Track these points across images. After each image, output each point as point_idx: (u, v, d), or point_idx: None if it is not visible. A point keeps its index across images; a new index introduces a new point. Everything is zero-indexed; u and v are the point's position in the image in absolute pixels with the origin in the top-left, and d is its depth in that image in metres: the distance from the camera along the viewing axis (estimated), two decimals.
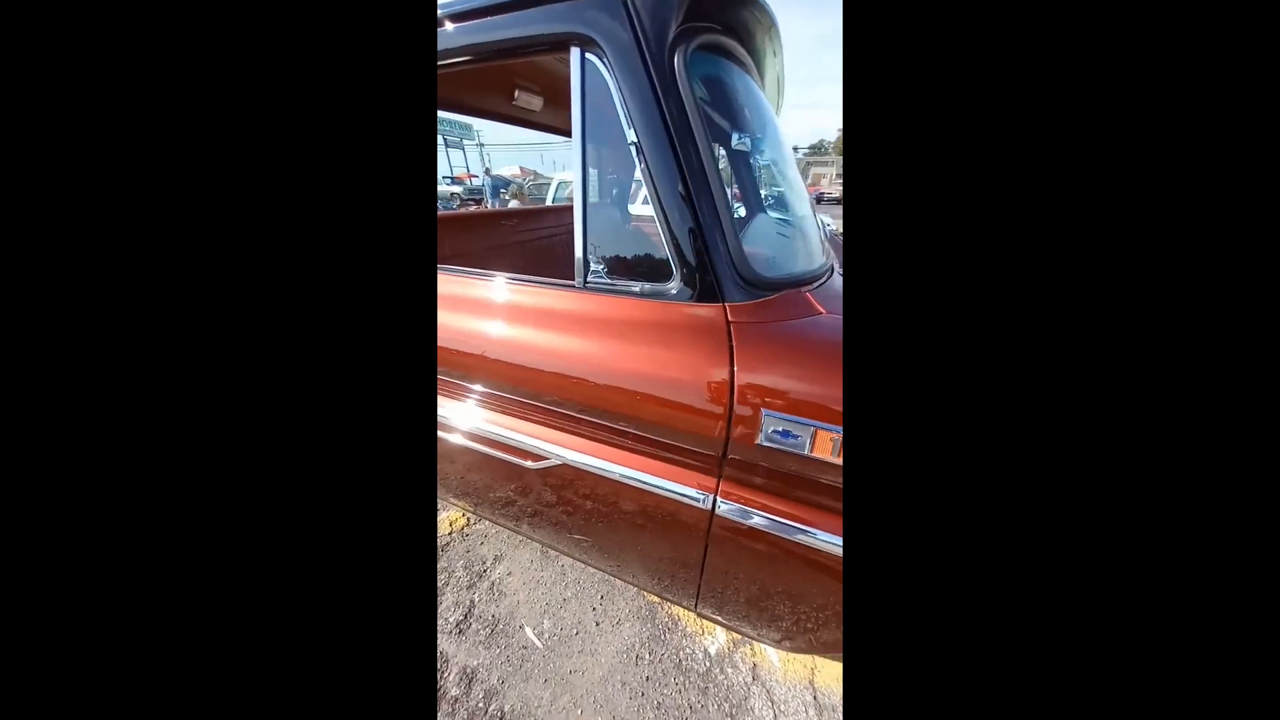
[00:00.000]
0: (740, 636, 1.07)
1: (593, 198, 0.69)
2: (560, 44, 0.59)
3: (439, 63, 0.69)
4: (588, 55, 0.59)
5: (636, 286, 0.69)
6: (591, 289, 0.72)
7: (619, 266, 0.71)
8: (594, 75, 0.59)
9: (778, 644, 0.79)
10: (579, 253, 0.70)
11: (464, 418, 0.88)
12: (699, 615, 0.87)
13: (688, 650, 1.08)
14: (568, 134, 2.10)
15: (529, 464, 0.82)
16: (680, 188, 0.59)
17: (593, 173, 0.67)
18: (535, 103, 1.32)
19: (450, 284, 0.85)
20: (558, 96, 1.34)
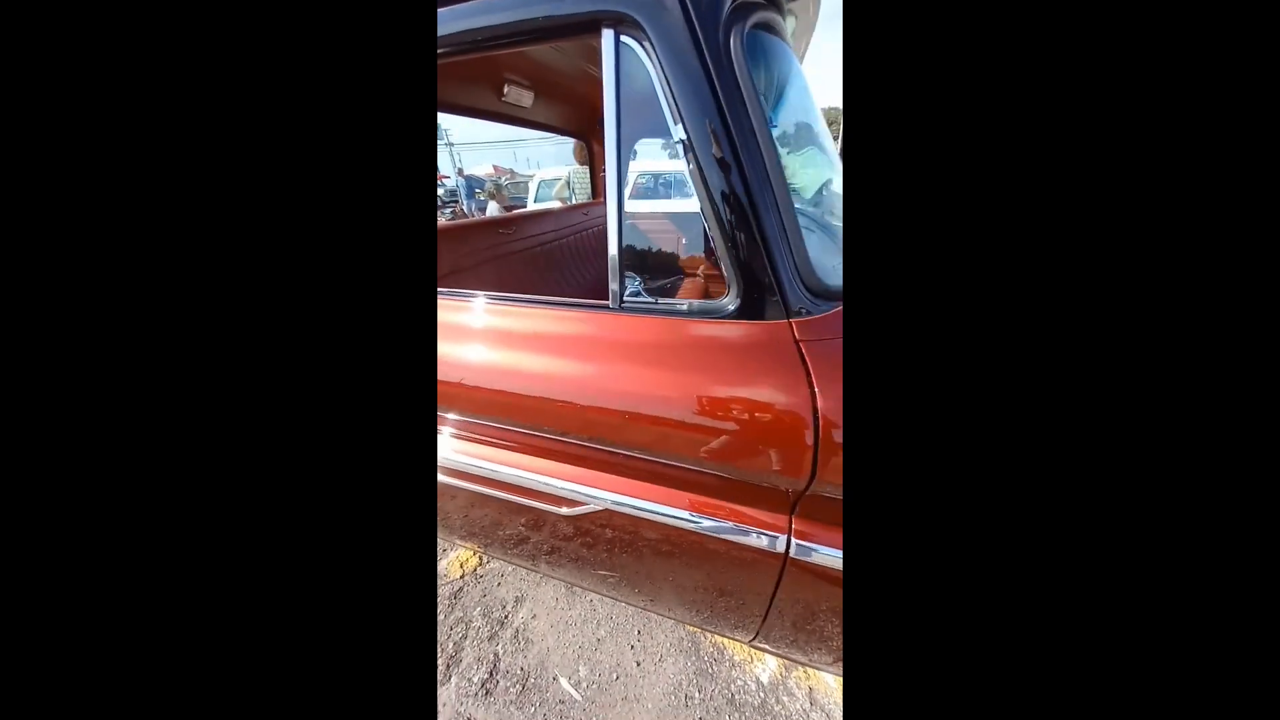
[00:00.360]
0: (792, 662, 1.01)
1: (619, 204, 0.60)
2: (589, 25, 0.50)
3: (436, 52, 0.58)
4: (624, 38, 0.49)
5: (684, 305, 0.61)
6: (629, 310, 0.63)
7: (661, 282, 0.62)
8: (631, 62, 0.50)
9: (831, 667, 0.73)
10: (614, 268, 0.61)
11: (477, 460, 0.77)
12: (751, 646, 0.81)
13: (739, 682, 1.01)
14: (557, 131, 1.98)
15: (563, 510, 0.73)
16: (740, 190, 0.50)
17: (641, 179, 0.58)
18: (525, 98, 1.20)
19: (462, 311, 0.74)
20: (551, 90, 1.23)
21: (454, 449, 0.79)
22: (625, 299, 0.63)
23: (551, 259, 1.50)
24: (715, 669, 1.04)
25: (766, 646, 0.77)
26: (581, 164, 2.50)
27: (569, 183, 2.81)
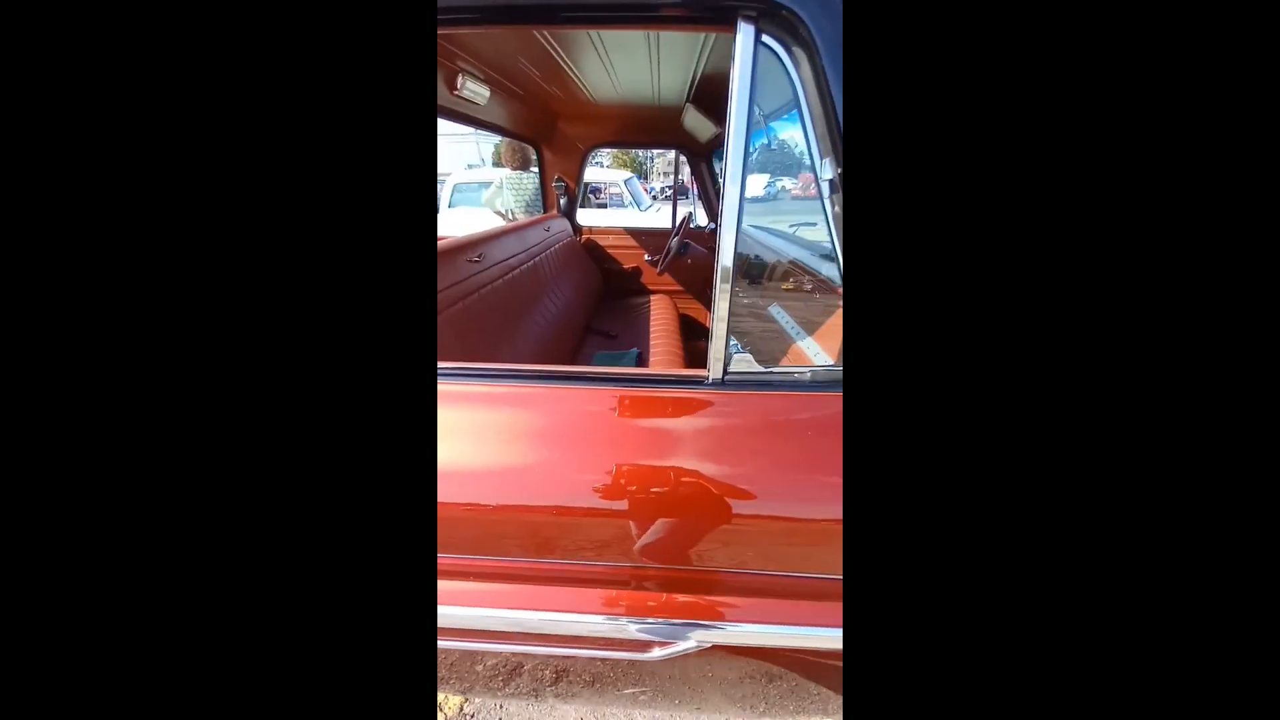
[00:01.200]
0: None
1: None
2: (721, 14, 0.36)
3: (459, 18, 0.39)
4: (766, 38, 0.37)
5: (805, 373, 0.49)
6: (734, 384, 0.49)
7: (773, 345, 0.50)
8: (771, 69, 0.37)
9: None
10: (719, 330, 0.47)
11: (503, 609, 0.54)
12: None
13: None
14: (506, 133, 1.72)
15: (651, 655, 0.54)
16: None
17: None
18: (481, 94, 0.99)
19: (474, 402, 0.52)
20: (504, 88, 1.03)
21: (467, 600, 0.55)
22: (729, 368, 0.48)
23: (527, 285, 1.24)
24: None
25: None
26: (515, 169, 2.23)
27: (503, 188, 2.32)
